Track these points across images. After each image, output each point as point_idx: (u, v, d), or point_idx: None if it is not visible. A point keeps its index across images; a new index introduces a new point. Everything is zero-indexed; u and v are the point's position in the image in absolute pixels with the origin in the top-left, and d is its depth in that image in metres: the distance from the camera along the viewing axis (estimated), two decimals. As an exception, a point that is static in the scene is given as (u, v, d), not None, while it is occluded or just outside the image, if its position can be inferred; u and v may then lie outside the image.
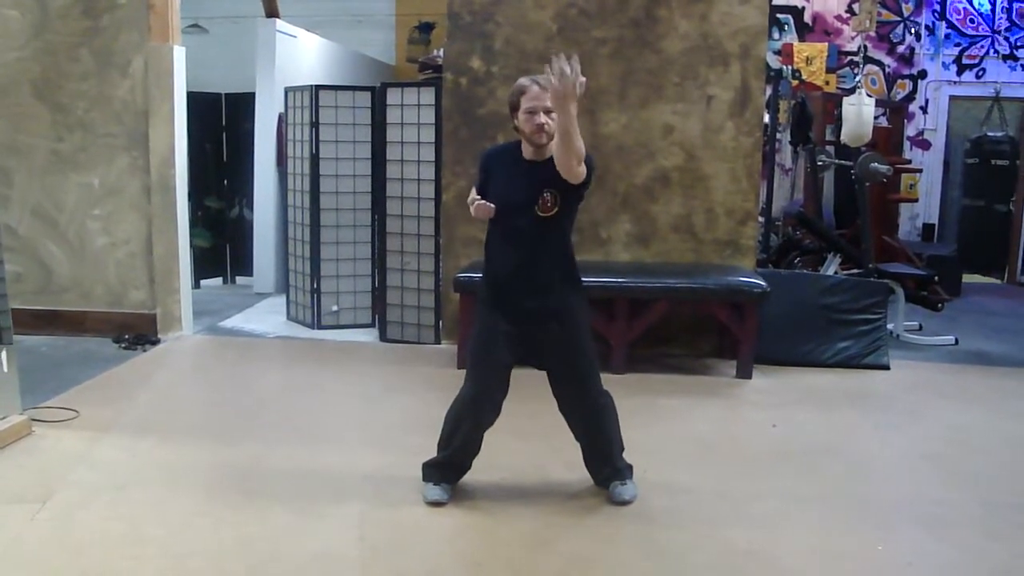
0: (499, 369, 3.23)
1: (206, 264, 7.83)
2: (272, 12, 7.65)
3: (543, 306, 3.22)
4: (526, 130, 3.11)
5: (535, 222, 3.14)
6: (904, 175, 8.76)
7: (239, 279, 8.06)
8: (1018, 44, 9.61)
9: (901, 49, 9.73)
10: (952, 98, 9.83)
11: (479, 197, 3.20)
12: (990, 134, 8.90)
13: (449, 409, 3.33)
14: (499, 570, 2.85)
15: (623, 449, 3.41)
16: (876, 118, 7.28)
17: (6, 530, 3.00)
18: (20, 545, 2.92)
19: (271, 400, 4.66)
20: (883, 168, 6.52)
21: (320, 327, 6.21)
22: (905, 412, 4.61)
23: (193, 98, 6.18)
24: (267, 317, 6.67)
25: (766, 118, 6.52)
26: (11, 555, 2.85)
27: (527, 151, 3.18)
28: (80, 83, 5.65)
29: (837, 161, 7.45)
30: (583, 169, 3.03)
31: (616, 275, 5.17)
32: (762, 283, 5.09)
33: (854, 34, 9.09)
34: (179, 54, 5.70)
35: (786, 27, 9.59)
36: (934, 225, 9.93)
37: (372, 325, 6.24)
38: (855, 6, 9.22)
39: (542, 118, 3.06)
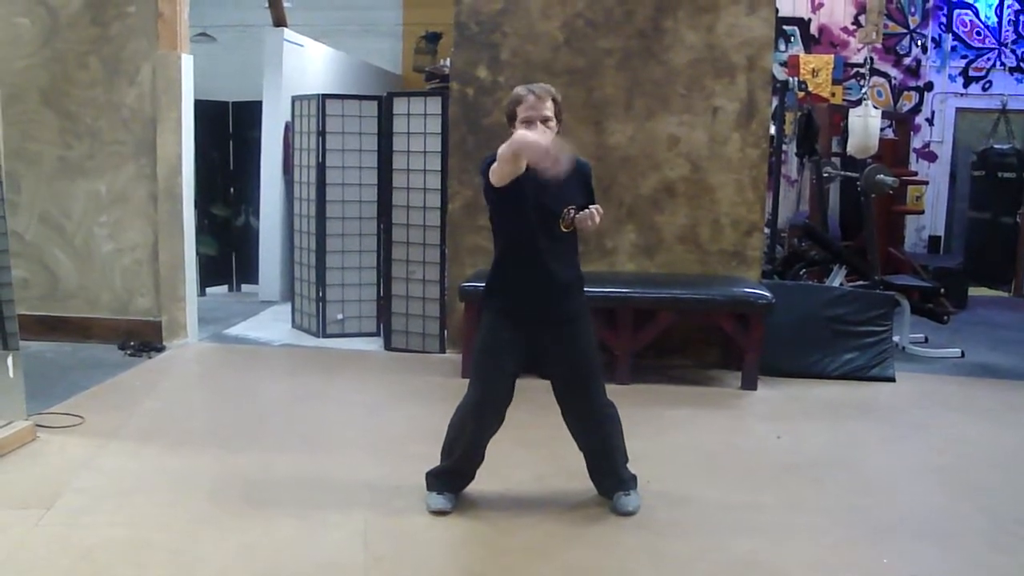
0: (504, 376, 3.22)
1: (212, 272, 7.84)
2: (280, 21, 7.69)
3: (557, 310, 3.22)
4: None
5: (554, 233, 3.15)
6: (910, 187, 8.75)
7: (244, 287, 8.07)
8: (1025, 56, 9.63)
9: (907, 61, 9.74)
10: (959, 110, 9.82)
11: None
12: (997, 146, 8.88)
13: (452, 416, 3.33)
14: (502, 580, 2.85)
15: (627, 459, 3.40)
16: (882, 130, 7.27)
17: (10, 535, 3.00)
18: (24, 551, 2.91)
19: (276, 408, 4.67)
20: (889, 180, 6.51)
21: (325, 335, 6.21)
22: (910, 424, 4.60)
23: (200, 106, 6.19)
24: (272, 325, 6.67)
25: (772, 129, 6.52)
26: (15, 560, 2.85)
27: None
28: (88, 91, 5.67)
29: (843, 173, 7.45)
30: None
31: (621, 285, 5.17)
32: (767, 294, 5.08)
33: (860, 46, 9.10)
34: (187, 62, 5.73)
35: (792, 39, 9.60)
36: (940, 237, 9.92)
37: (377, 334, 6.25)
38: (861, 18, 9.25)
39: (538, 128, 3.05)
